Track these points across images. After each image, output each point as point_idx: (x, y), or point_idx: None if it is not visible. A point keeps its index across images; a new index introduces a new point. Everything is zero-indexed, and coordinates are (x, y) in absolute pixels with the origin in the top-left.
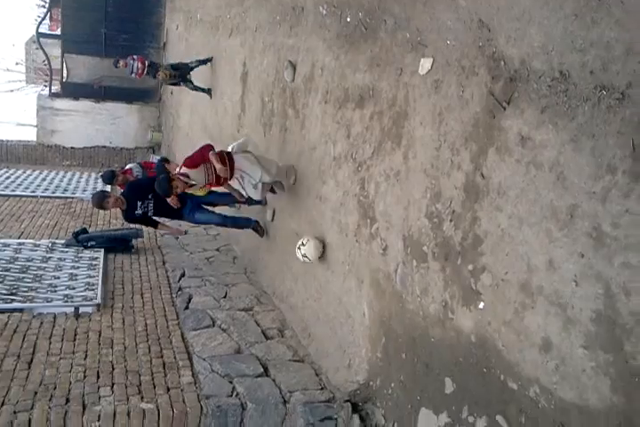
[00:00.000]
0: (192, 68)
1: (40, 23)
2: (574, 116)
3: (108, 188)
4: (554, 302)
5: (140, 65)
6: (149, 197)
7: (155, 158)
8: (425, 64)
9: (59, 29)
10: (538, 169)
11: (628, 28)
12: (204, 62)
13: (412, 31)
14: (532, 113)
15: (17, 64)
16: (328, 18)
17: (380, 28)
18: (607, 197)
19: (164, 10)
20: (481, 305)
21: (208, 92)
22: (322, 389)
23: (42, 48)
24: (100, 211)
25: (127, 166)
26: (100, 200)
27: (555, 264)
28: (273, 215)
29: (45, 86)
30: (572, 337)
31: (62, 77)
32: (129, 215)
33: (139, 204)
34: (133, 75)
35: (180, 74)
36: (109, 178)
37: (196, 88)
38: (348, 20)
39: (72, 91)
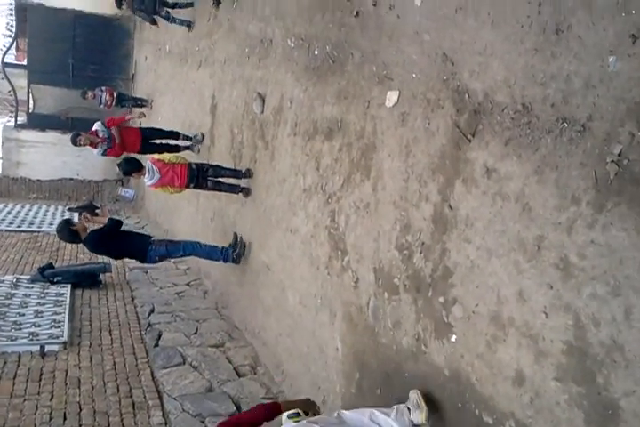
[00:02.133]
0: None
1: (5, 53)
2: (537, 147)
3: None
4: (525, 334)
5: (108, 97)
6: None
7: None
8: (392, 97)
9: (25, 60)
10: (504, 200)
11: (586, 62)
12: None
13: (379, 64)
14: (496, 145)
15: None
16: (296, 51)
17: (347, 62)
18: (572, 228)
19: (133, 41)
20: (453, 338)
21: (188, 25)
22: None
23: (7, 78)
24: (67, 245)
25: (93, 128)
26: (66, 228)
27: (524, 296)
28: (244, 248)
29: (11, 117)
30: (544, 369)
31: (28, 108)
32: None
33: None
34: (102, 106)
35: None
36: (74, 139)
37: (174, 20)
38: (316, 53)
39: (38, 122)
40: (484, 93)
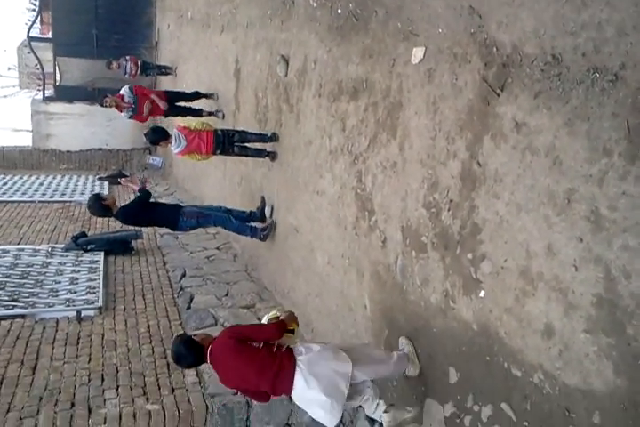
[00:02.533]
0: None
1: (31, 27)
2: (568, 99)
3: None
4: (554, 288)
5: (132, 66)
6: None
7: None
8: (417, 53)
9: (50, 33)
10: (534, 154)
11: (619, 9)
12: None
13: (404, 21)
14: (525, 98)
15: (9, 69)
16: (319, 10)
17: (371, 19)
18: (604, 180)
19: (155, 9)
20: (482, 293)
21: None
22: None
23: (33, 52)
24: None
25: (120, 91)
26: (97, 203)
27: (554, 250)
28: (271, 211)
29: (39, 90)
30: (573, 322)
31: (55, 81)
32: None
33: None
34: (127, 75)
35: None
36: (101, 100)
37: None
38: (339, 11)
39: (66, 94)
40: (512, 46)
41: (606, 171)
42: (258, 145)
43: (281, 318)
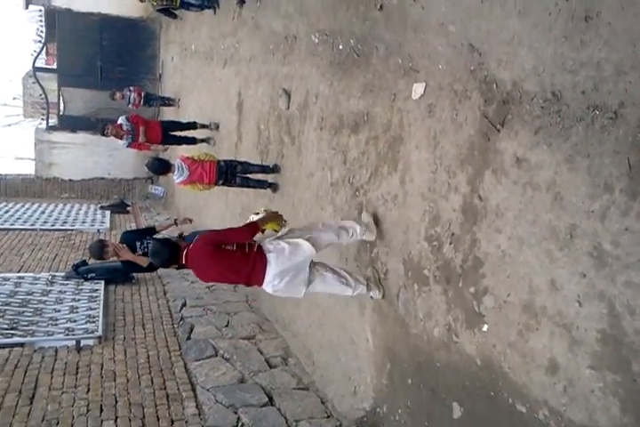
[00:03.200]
0: None
1: (36, 58)
2: (568, 136)
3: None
4: (558, 323)
5: (136, 96)
6: (148, 237)
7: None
8: (418, 89)
9: (55, 63)
10: (535, 190)
11: (617, 49)
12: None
13: (404, 57)
14: (526, 134)
15: (14, 99)
16: (320, 46)
17: (372, 55)
18: (606, 216)
19: (159, 42)
20: (485, 328)
21: (214, 5)
22: (328, 417)
23: (38, 82)
24: None
25: (118, 121)
26: (99, 250)
27: (557, 285)
28: None
29: (43, 120)
30: (578, 358)
31: (59, 111)
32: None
33: (137, 244)
34: (130, 106)
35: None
36: (102, 128)
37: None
38: (341, 47)
39: (69, 124)
40: (512, 83)
41: (608, 207)
42: (260, 176)
43: (255, 219)
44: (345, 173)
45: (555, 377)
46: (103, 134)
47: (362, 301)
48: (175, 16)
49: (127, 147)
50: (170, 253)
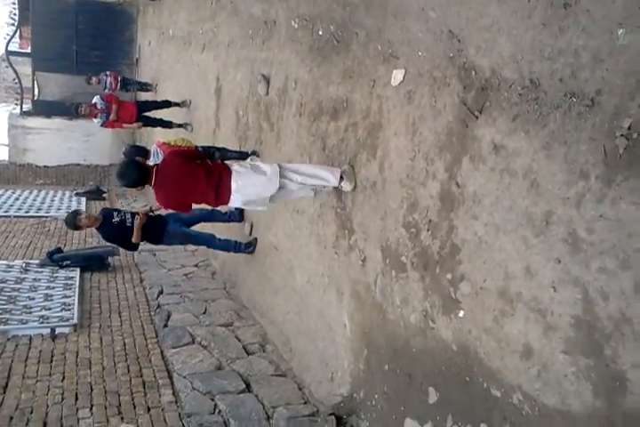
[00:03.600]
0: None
1: (9, 41)
2: (546, 123)
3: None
4: (533, 309)
5: (112, 80)
6: (124, 211)
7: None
8: (397, 75)
9: (29, 47)
10: (512, 177)
11: (595, 36)
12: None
13: (384, 43)
14: (503, 121)
15: None
16: (300, 31)
17: (351, 41)
18: (581, 203)
19: (136, 26)
20: (461, 313)
21: None
22: (305, 403)
23: (12, 66)
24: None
25: (92, 100)
26: (73, 220)
27: (532, 271)
28: (250, 229)
29: (16, 105)
30: (552, 343)
31: (33, 95)
32: (105, 229)
33: (114, 213)
34: (107, 90)
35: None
36: (76, 107)
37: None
38: (320, 33)
39: (44, 109)
40: (490, 70)
41: (583, 194)
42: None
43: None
44: (324, 160)
45: (529, 362)
46: (77, 113)
47: (340, 287)
48: None
49: (101, 126)
50: (138, 173)
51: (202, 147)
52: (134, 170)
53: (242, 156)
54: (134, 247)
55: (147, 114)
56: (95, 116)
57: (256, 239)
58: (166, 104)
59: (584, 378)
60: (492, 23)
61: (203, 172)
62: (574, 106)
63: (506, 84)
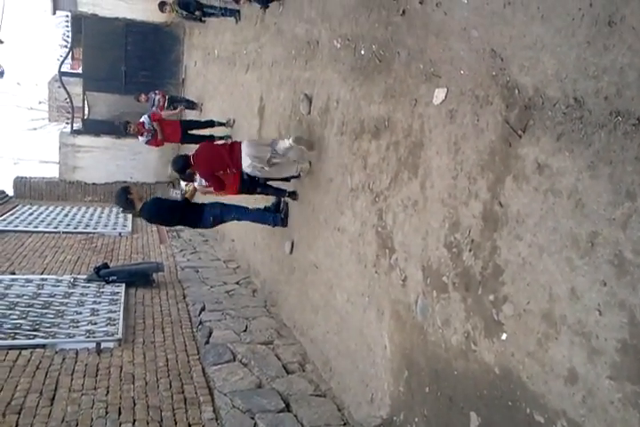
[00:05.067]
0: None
1: (62, 62)
2: (591, 142)
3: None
4: (578, 332)
5: (160, 98)
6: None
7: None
8: (439, 94)
9: (80, 68)
10: (556, 196)
11: None
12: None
13: (426, 62)
14: (547, 140)
15: (40, 103)
16: (342, 51)
17: (393, 60)
18: (628, 224)
19: (183, 47)
20: (504, 336)
21: (236, 15)
22: (344, 424)
23: (64, 86)
24: (121, 245)
25: (140, 119)
26: (123, 195)
27: (577, 293)
28: (292, 248)
29: (67, 124)
30: (597, 368)
31: (83, 115)
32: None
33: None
34: (154, 108)
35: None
36: (125, 126)
37: (224, 10)
38: (362, 52)
39: (93, 128)
40: (534, 88)
41: (630, 214)
42: (279, 183)
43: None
44: (365, 179)
45: (574, 387)
46: (126, 131)
47: (380, 307)
48: (201, 20)
49: (145, 143)
50: (183, 163)
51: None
52: (182, 162)
53: (284, 177)
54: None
55: (191, 132)
56: (142, 135)
57: (286, 204)
58: (210, 124)
59: (631, 405)
60: (535, 41)
61: (225, 150)
62: (620, 125)
63: (550, 103)
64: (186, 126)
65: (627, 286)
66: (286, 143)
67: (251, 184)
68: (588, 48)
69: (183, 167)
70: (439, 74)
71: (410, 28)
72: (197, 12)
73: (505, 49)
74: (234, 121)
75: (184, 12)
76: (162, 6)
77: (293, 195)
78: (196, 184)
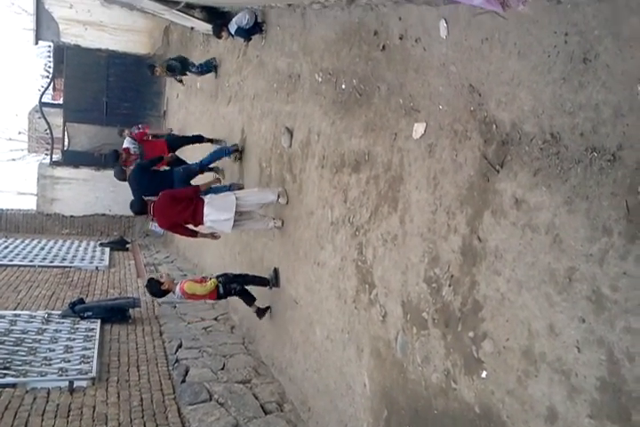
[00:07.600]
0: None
1: (43, 93)
2: (567, 178)
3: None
4: (557, 370)
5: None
6: None
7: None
8: (418, 128)
9: (61, 99)
10: (534, 232)
11: (615, 91)
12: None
13: (405, 97)
14: (525, 175)
15: (19, 133)
16: (324, 85)
17: (374, 95)
18: (604, 260)
19: (165, 79)
20: (483, 374)
21: (214, 68)
22: None
23: (44, 117)
24: (97, 280)
25: (124, 145)
26: (115, 156)
27: (556, 329)
28: (274, 282)
29: (47, 155)
30: (577, 406)
31: (63, 146)
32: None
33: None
34: (139, 129)
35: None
36: (114, 155)
37: (201, 68)
38: (343, 86)
39: (73, 159)
40: (511, 124)
41: (606, 250)
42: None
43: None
44: (345, 212)
45: (554, 426)
46: (116, 161)
47: (360, 343)
48: (181, 82)
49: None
50: (141, 207)
51: (223, 285)
52: (139, 205)
53: (262, 282)
54: None
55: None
56: (131, 164)
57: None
58: (198, 139)
59: None
60: (512, 77)
61: (184, 204)
62: (595, 161)
63: (527, 139)
64: (172, 144)
65: (605, 323)
66: (261, 194)
67: (226, 294)
68: (563, 84)
69: (139, 212)
70: (418, 108)
71: (390, 63)
72: (179, 77)
73: (483, 84)
74: (225, 142)
75: (170, 73)
76: (152, 69)
77: (262, 312)
78: (175, 297)
